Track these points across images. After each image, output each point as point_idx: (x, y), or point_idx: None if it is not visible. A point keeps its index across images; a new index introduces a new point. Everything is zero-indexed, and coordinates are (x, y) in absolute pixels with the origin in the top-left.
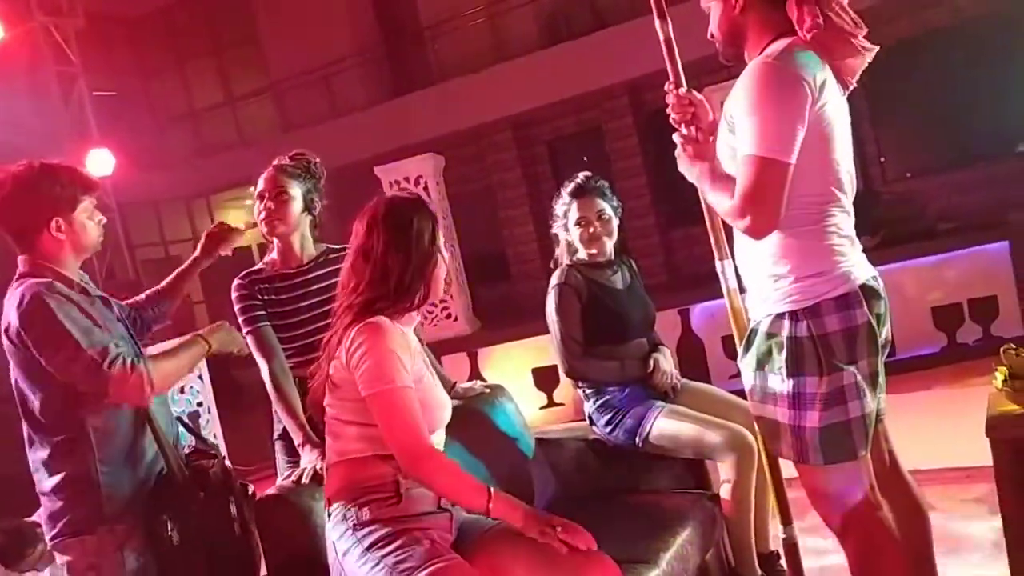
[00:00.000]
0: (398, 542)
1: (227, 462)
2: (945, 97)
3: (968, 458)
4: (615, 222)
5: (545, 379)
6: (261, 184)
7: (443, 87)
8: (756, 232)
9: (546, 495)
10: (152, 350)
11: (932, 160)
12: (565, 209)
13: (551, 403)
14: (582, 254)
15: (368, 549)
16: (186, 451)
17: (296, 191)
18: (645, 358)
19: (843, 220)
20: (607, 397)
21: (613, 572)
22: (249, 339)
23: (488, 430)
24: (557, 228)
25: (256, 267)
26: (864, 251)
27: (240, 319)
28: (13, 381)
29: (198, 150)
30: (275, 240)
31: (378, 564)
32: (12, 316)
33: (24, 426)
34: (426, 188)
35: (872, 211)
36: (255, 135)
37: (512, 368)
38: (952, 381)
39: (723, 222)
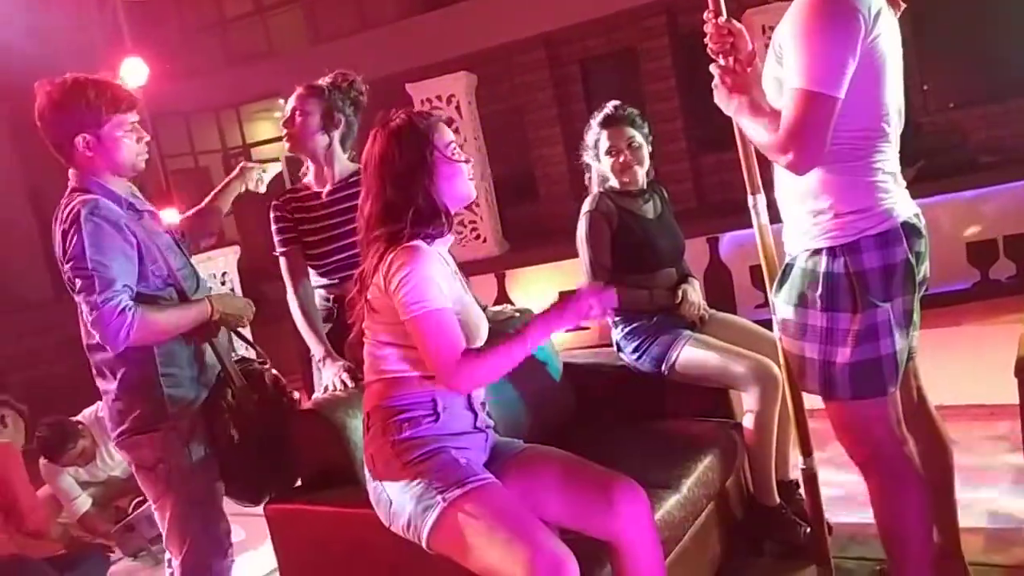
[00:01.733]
0: (434, 459)
1: (274, 370)
2: (994, 26)
3: (993, 396)
4: (646, 150)
5: None
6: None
7: (475, 2)
8: (798, 167)
9: (572, 418)
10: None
11: (977, 91)
12: (596, 138)
13: (578, 327)
14: (613, 183)
15: (405, 465)
16: (236, 359)
17: (313, 107)
18: (674, 288)
19: (888, 156)
20: (635, 324)
21: (639, 495)
22: (281, 260)
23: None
24: (588, 157)
25: (293, 187)
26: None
27: (275, 239)
28: (69, 286)
29: (227, 60)
30: (308, 162)
31: (414, 480)
32: (57, 230)
33: (83, 330)
34: (458, 107)
35: (912, 142)
36: (284, 46)
37: (539, 290)
38: (983, 318)
39: (757, 154)
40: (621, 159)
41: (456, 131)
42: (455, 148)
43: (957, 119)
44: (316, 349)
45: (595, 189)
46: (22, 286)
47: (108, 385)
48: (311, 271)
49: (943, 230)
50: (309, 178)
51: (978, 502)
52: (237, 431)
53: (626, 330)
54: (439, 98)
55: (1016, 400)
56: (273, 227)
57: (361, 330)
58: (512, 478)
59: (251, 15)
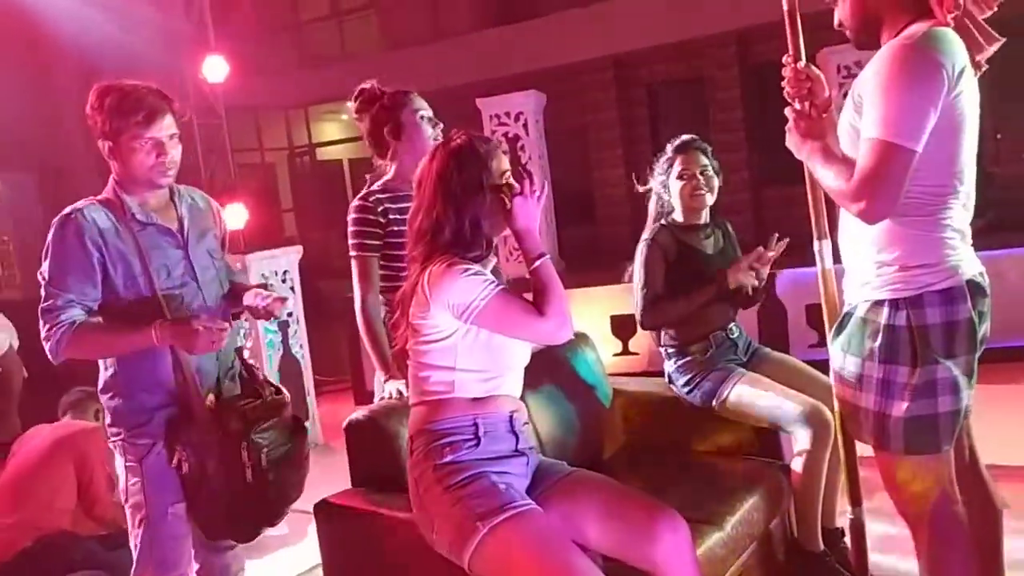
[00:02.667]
0: (475, 485)
1: (281, 397)
2: None
3: None
4: (716, 182)
5: (622, 327)
6: None
7: (548, 19)
8: (871, 217)
9: (618, 444)
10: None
11: None
12: (668, 163)
13: (626, 351)
14: (677, 215)
15: (446, 489)
16: (238, 374)
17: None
18: (726, 323)
19: (958, 213)
20: (688, 358)
21: (682, 527)
22: (353, 264)
23: (569, 376)
24: (655, 183)
25: (383, 186)
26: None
27: (351, 241)
28: None
29: (300, 61)
30: (394, 164)
31: (455, 505)
32: None
33: None
34: (525, 125)
35: (982, 191)
36: (357, 51)
37: (591, 313)
38: None
39: (826, 200)
40: (694, 183)
41: (522, 148)
42: (508, 176)
43: None
44: (379, 366)
45: (652, 216)
46: None
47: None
48: (388, 271)
49: (1009, 283)
50: (387, 177)
51: None
52: (188, 465)
53: (679, 363)
54: (507, 115)
55: None
56: (355, 227)
57: (405, 351)
58: (555, 502)
59: (327, 19)
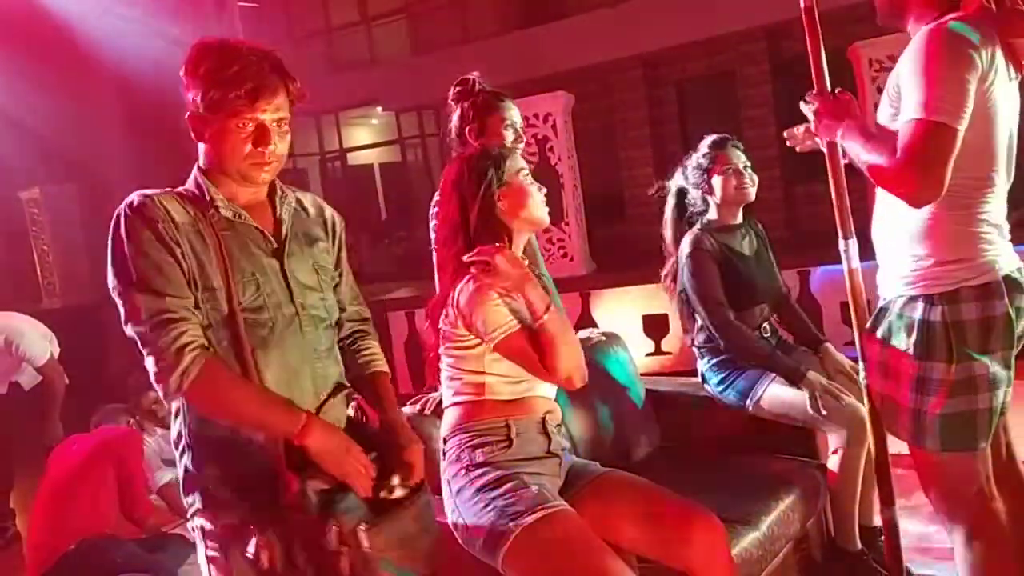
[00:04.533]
0: (507, 486)
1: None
2: None
3: None
4: (756, 177)
5: (655, 326)
6: None
7: (575, 20)
8: (918, 199)
9: (652, 445)
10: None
11: None
12: (708, 159)
13: (658, 351)
14: (712, 214)
15: (479, 490)
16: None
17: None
18: (761, 323)
19: (995, 207)
20: (722, 356)
21: (718, 529)
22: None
23: (601, 377)
24: (690, 183)
25: None
26: (1010, 227)
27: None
28: None
29: (330, 67)
30: None
31: (488, 505)
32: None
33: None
34: (554, 126)
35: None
36: (387, 56)
37: (623, 312)
38: None
39: (848, 199)
40: (739, 178)
41: (551, 150)
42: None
43: None
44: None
45: (671, 218)
46: None
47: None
48: None
49: None
50: None
51: None
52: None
53: (713, 361)
54: (536, 116)
55: None
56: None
57: (437, 356)
58: (588, 503)
59: (356, 24)
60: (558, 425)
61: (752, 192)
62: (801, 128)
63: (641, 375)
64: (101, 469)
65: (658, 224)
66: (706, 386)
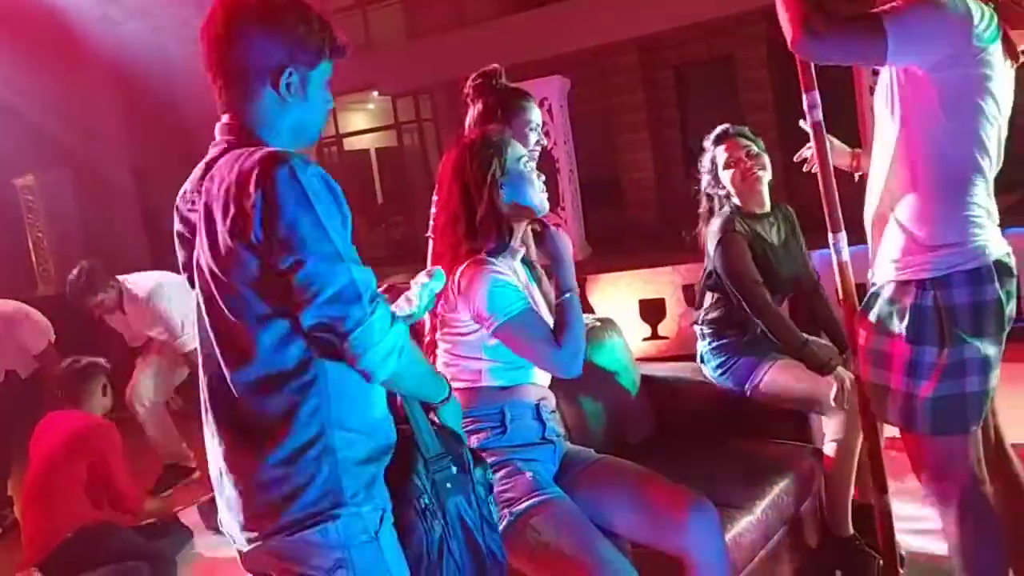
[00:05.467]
0: (502, 472)
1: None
2: None
3: None
4: (766, 158)
5: (651, 311)
6: None
7: (571, 3)
8: (795, 44)
9: (647, 430)
10: None
11: None
12: (711, 157)
13: (655, 335)
14: (737, 202)
15: None
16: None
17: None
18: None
19: (984, 191)
20: (725, 340)
21: (711, 513)
22: None
23: (595, 364)
24: (706, 184)
25: None
26: (1003, 211)
27: None
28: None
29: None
30: None
31: None
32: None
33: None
34: (549, 110)
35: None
36: (382, 40)
37: (620, 297)
38: None
39: (839, 194)
40: (743, 167)
41: (546, 134)
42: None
43: None
44: None
45: (703, 213)
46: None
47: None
48: None
49: None
50: None
51: None
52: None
53: (714, 344)
54: None
55: None
56: None
57: (434, 341)
58: (583, 489)
59: (351, 8)
60: (552, 411)
61: (763, 176)
62: (806, 150)
63: (637, 360)
64: (76, 466)
65: (654, 208)
66: (704, 367)
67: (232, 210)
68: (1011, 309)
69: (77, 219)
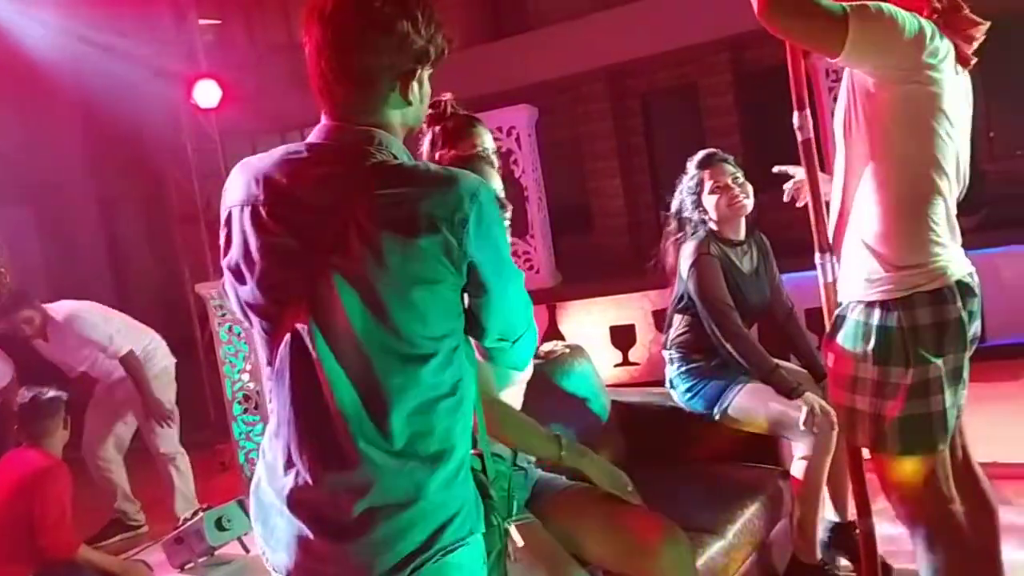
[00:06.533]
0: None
1: None
2: None
3: None
4: (750, 188)
5: (622, 337)
6: None
7: (539, 33)
8: (760, 11)
9: (618, 456)
10: None
11: None
12: (696, 180)
13: (626, 362)
14: (713, 227)
15: None
16: None
17: None
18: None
19: (944, 212)
20: (693, 365)
21: (681, 541)
22: None
23: (564, 390)
24: (687, 205)
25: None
26: (963, 232)
27: None
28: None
29: (296, 82)
30: None
31: None
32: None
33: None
34: (518, 139)
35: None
36: None
37: (590, 323)
38: None
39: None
40: (730, 194)
41: (515, 163)
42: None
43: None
44: None
45: (672, 235)
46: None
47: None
48: None
49: (1006, 280)
50: None
51: None
52: None
53: (682, 369)
54: (500, 129)
55: None
56: None
57: None
58: (554, 516)
59: None
60: None
61: (748, 203)
62: (790, 185)
63: (608, 386)
64: (22, 507)
65: (625, 236)
66: (672, 392)
67: (435, 226)
68: (974, 329)
69: (40, 255)
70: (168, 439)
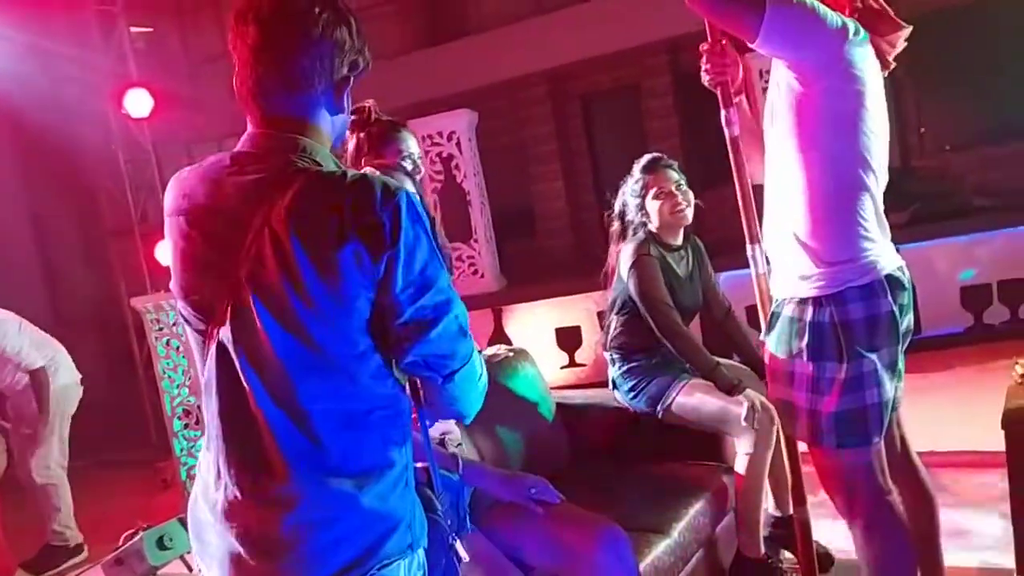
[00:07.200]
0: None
1: None
2: (991, 69)
3: (985, 442)
4: (691, 195)
5: (568, 339)
6: None
7: (478, 38)
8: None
9: (563, 458)
10: None
11: (973, 134)
12: (641, 184)
13: (572, 363)
14: (652, 229)
15: None
16: None
17: None
18: None
19: (872, 207)
20: (634, 364)
21: (622, 542)
22: None
23: (508, 394)
24: (629, 207)
25: None
26: (895, 227)
27: None
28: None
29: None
30: None
31: None
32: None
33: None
34: (458, 143)
35: (906, 185)
36: None
37: (536, 326)
38: (976, 362)
39: (756, 206)
40: (673, 201)
41: (456, 168)
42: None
43: (953, 162)
44: None
45: (615, 237)
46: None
47: None
48: None
49: (937, 274)
50: None
51: (967, 550)
52: None
53: (624, 368)
54: (440, 134)
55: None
56: None
57: None
58: (495, 522)
59: None
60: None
61: (689, 213)
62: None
63: (554, 388)
64: None
65: (568, 237)
66: (616, 393)
67: (347, 235)
68: (907, 322)
69: None
70: (47, 462)
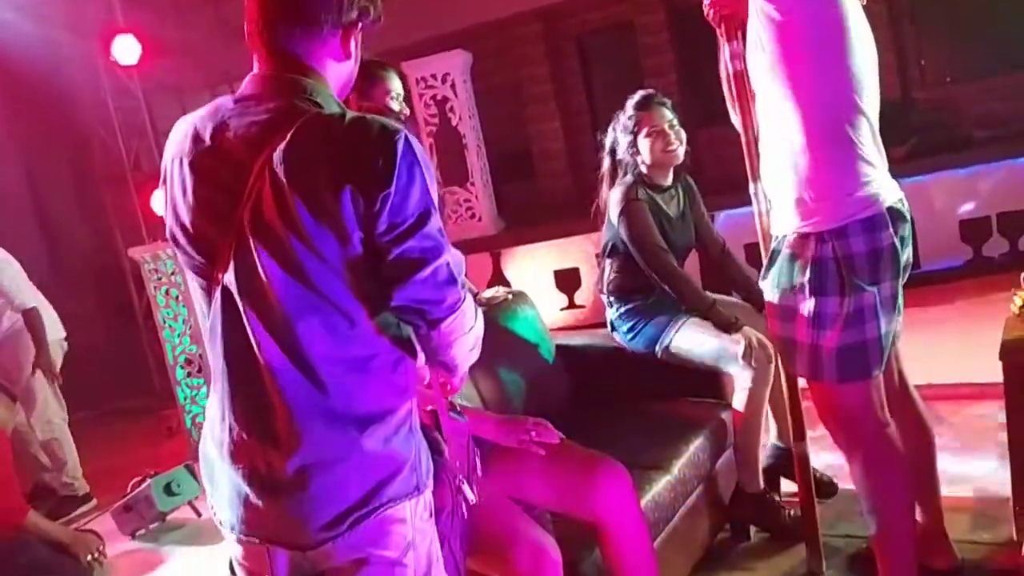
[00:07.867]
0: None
1: None
2: None
3: (983, 374)
4: (683, 135)
5: (567, 281)
6: None
7: None
8: None
9: (563, 399)
10: None
11: (974, 65)
12: (633, 121)
13: (572, 305)
14: (643, 170)
15: None
16: None
17: None
18: None
19: (869, 134)
20: (631, 305)
21: (622, 477)
22: None
23: (509, 337)
24: (620, 144)
25: None
26: (894, 161)
27: None
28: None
29: (221, 35)
30: None
31: None
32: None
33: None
34: (453, 85)
35: (907, 118)
36: None
37: (535, 269)
38: (975, 295)
39: (756, 144)
40: (665, 139)
41: (451, 110)
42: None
43: (953, 94)
44: None
45: (606, 174)
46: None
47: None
48: None
49: (936, 207)
50: None
51: (965, 479)
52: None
53: (621, 310)
54: (434, 76)
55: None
56: None
57: None
58: (497, 463)
59: None
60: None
61: (680, 152)
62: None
63: (554, 330)
64: None
65: (566, 178)
66: (614, 334)
67: (342, 175)
68: (907, 255)
69: None
70: (47, 415)
